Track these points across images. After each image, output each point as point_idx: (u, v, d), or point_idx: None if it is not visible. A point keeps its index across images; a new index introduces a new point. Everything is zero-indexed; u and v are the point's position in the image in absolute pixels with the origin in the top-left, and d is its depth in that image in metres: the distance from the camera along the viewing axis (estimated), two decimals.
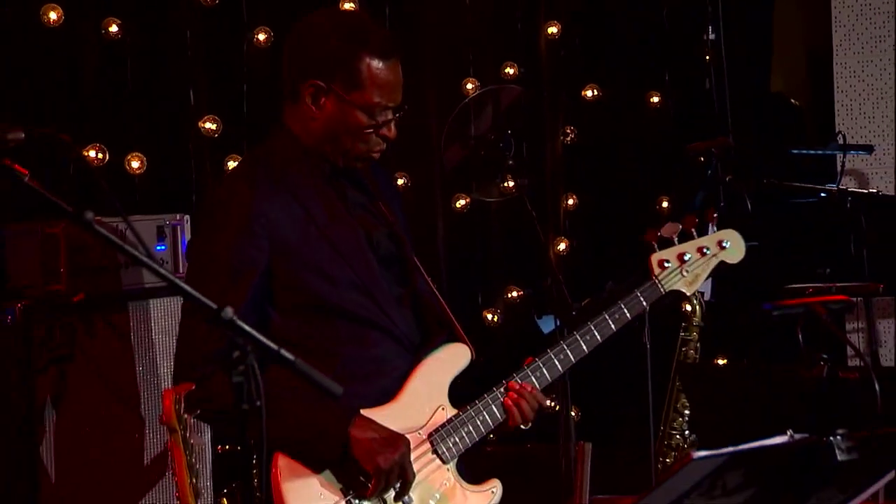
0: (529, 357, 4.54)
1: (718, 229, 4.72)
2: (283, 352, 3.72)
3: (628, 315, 4.61)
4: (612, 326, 4.59)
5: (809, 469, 4.00)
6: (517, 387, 4.49)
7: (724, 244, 4.74)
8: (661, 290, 4.67)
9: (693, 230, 4.69)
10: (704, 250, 4.71)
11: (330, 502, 4.34)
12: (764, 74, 7.62)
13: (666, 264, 4.67)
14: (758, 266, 4.94)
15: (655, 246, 4.66)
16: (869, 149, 6.90)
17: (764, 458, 3.94)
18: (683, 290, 4.71)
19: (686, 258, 4.67)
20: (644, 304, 4.63)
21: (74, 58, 5.95)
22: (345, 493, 4.35)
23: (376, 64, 4.42)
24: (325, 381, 3.83)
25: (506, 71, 6.97)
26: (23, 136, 3.97)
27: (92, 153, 5.81)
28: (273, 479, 4.24)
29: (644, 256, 4.64)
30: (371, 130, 4.43)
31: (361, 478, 4.35)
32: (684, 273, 4.69)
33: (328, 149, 4.46)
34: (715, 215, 4.72)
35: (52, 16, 5.81)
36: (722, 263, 4.74)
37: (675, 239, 4.67)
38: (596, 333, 4.57)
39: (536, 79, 7.06)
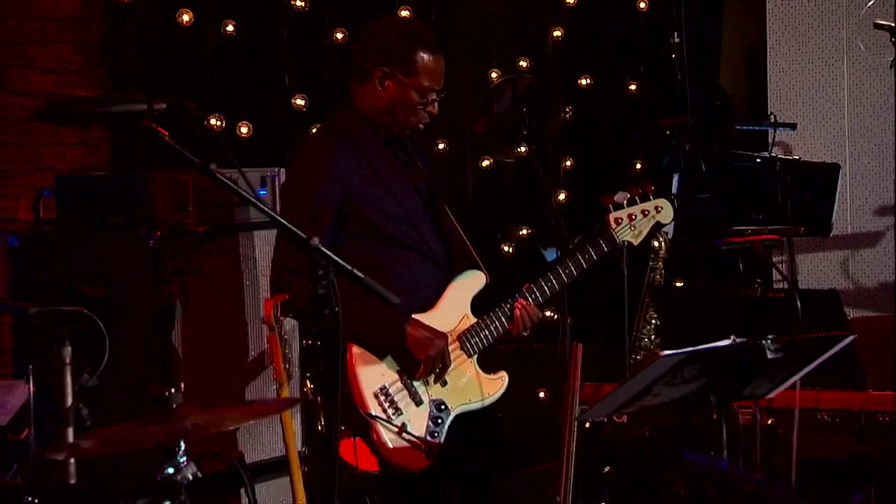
0: (527, 284, 4.58)
1: (655, 198, 4.74)
2: (355, 271, 3.71)
3: (595, 257, 4.68)
4: (583, 265, 4.64)
5: (746, 364, 3.99)
6: (521, 304, 4.54)
7: (659, 209, 4.77)
8: (616, 239, 4.70)
9: (637, 197, 4.71)
10: (646, 212, 4.73)
11: (389, 380, 4.40)
12: (714, 68, 7.57)
13: (620, 221, 4.71)
14: (709, 212, 4.92)
15: (611, 207, 4.69)
16: (793, 126, 6.86)
17: (713, 356, 3.94)
18: (632, 241, 4.76)
19: (634, 217, 4.71)
20: (605, 249, 4.69)
21: (201, 49, 5.93)
22: (400, 374, 4.43)
23: (427, 57, 4.53)
24: (385, 292, 3.83)
25: (520, 64, 6.94)
26: (164, 106, 3.99)
27: (213, 121, 5.82)
28: (348, 363, 4.29)
29: (603, 215, 4.65)
30: (420, 107, 4.55)
31: (413, 363, 4.37)
32: (632, 228, 4.72)
33: (386, 120, 4.57)
34: (652, 187, 4.76)
35: (185, 18, 5.83)
36: (658, 223, 4.78)
37: (625, 203, 4.70)
38: (572, 268, 4.63)
39: (544, 70, 7.01)
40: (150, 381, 4.85)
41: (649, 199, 4.75)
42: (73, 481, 4.43)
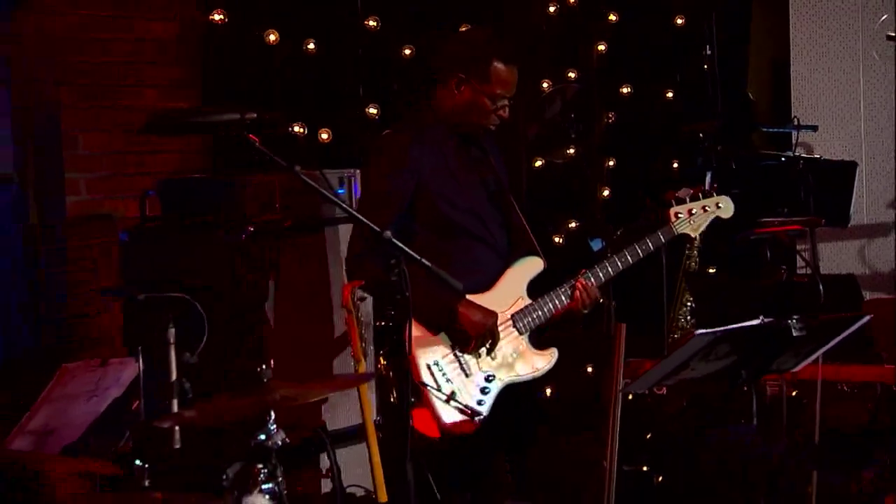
0: (583, 268, 4.55)
1: (717, 195, 4.70)
2: (423, 260, 3.72)
3: (651, 247, 4.62)
4: (640, 254, 4.59)
5: (774, 342, 3.96)
6: (581, 283, 4.51)
7: (719, 205, 4.71)
8: (675, 232, 4.65)
9: (699, 193, 4.66)
10: (706, 208, 4.67)
11: (442, 353, 4.39)
12: (742, 76, 7.52)
13: (679, 216, 4.65)
14: (739, 206, 4.88)
15: (673, 202, 4.64)
16: (814, 128, 6.82)
17: (744, 335, 3.91)
18: (690, 234, 4.70)
19: (693, 212, 4.65)
20: (662, 240, 4.64)
21: (286, 64, 5.95)
22: (453, 348, 4.41)
23: (501, 67, 4.49)
24: (449, 278, 3.84)
25: (568, 75, 6.91)
26: (255, 115, 4.01)
27: (297, 128, 5.82)
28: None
29: (664, 209, 4.62)
30: (492, 111, 4.48)
31: (465, 338, 4.38)
32: (691, 222, 4.67)
33: (460, 120, 4.53)
34: (715, 185, 4.70)
35: (272, 37, 5.82)
36: (718, 217, 4.73)
37: (687, 198, 4.65)
38: (629, 258, 4.57)
39: (589, 80, 6.98)
40: (244, 358, 4.88)
41: (711, 196, 4.71)
42: (177, 447, 4.47)
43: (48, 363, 4.60)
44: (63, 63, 5.65)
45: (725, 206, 4.72)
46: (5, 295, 5.60)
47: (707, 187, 4.79)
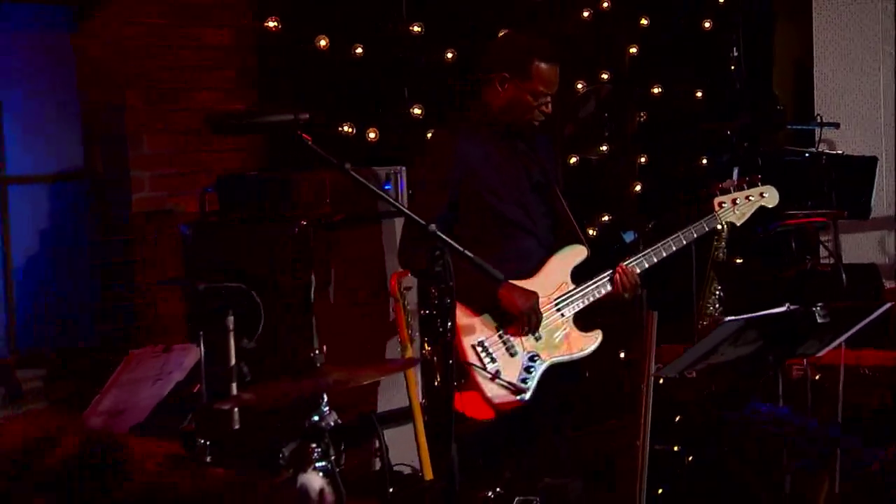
0: (627, 255, 4.55)
1: (762, 185, 4.68)
2: (466, 251, 3.72)
3: (695, 235, 4.61)
4: (684, 241, 4.59)
5: (799, 328, 3.94)
6: (620, 269, 4.50)
7: (764, 195, 4.69)
8: (719, 221, 4.64)
9: (744, 184, 4.64)
10: (750, 197, 4.65)
11: (486, 334, 4.40)
12: (767, 77, 7.48)
13: (723, 205, 4.64)
14: None
15: (718, 192, 4.64)
16: (836, 125, 6.78)
17: (770, 321, 3.89)
18: (735, 222, 4.69)
19: (737, 202, 4.64)
20: (706, 229, 4.65)
21: (336, 68, 5.96)
22: (497, 329, 4.41)
23: (543, 66, 4.49)
24: (490, 269, 3.82)
25: (602, 76, 6.88)
26: (307, 116, 4.01)
27: (346, 128, 5.83)
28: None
29: (709, 199, 4.61)
30: (534, 107, 4.49)
31: (508, 320, 4.38)
32: (735, 211, 4.66)
33: (505, 116, 4.54)
34: (759, 177, 4.68)
35: (322, 43, 5.83)
36: (763, 206, 4.71)
37: (732, 189, 4.64)
38: (672, 244, 4.57)
39: (622, 81, 6.95)
40: (298, 344, 4.89)
41: (756, 186, 4.69)
42: (236, 427, 4.50)
43: (116, 350, 4.65)
44: (129, 68, 5.69)
45: (770, 196, 4.70)
46: (75, 285, 5.66)
47: (735, 181, 4.76)
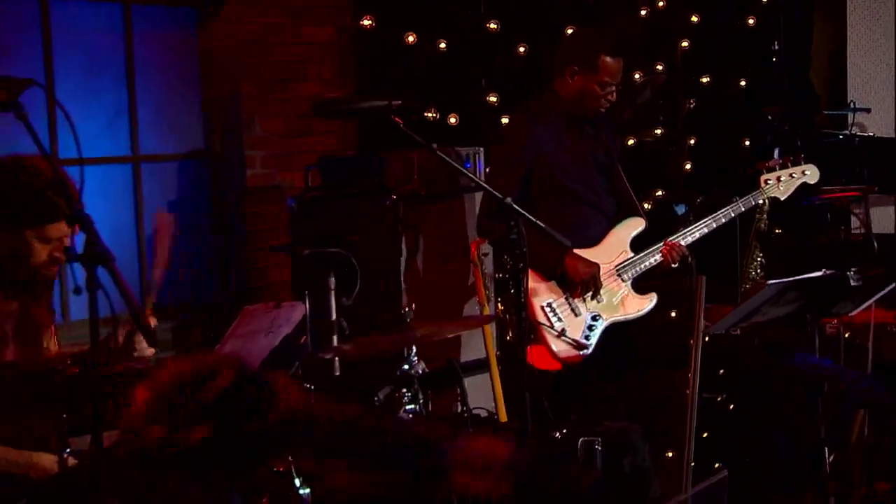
0: (680, 226, 4.52)
1: (804, 163, 4.61)
2: (538, 222, 3.70)
3: (743, 209, 4.58)
4: (732, 214, 4.55)
5: (834, 290, 3.88)
6: (667, 244, 4.46)
7: (806, 172, 4.62)
8: (764, 195, 4.58)
9: (788, 162, 4.56)
10: (793, 175, 4.59)
11: (554, 297, 4.40)
12: (805, 66, 7.34)
13: (768, 182, 4.58)
14: None
15: (764, 170, 4.57)
16: (868, 110, 6.65)
17: (808, 285, 3.83)
18: (779, 197, 4.63)
19: (781, 179, 4.58)
20: (753, 203, 4.61)
21: (422, 60, 5.94)
22: (563, 293, 4.39)
23: (608, 60, 4.45)
24: (559, 236, 3.80)
25: (657, 67, 6.78)
26: (399, 102, 4.02)
27: (430, 113, 5.80)
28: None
29: (756, 176, 4.55)
30: (601, 96, 4.44)
31: (574, 285, 4.35)
32: (780, 187, 4.59)
33: (574, 104, 4.49)
34: (802, 156, 4.60)
35: (410, 38, 5.80)
36: (805, 182, 4.64)
37: (777, 167, 4.57)
38: (722, 218, 4.55)
39: (674, 71, 6.85)
40: (390, 303, 4.91)
41: (798, 164, 4.63)
42: (337, 374, 4.53)
43: (232, 306, 4.69)
44: (244, 61, 5.72)
45: (812, 173, 4.63)
46: (198, 250, 5.72)
47: (780, 160, 4.69)
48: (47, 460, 2.84)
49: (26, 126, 2.54)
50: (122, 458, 1.29)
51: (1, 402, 2.61)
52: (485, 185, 3.89)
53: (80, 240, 2.45)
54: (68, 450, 2.62)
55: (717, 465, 4.47)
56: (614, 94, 4.49)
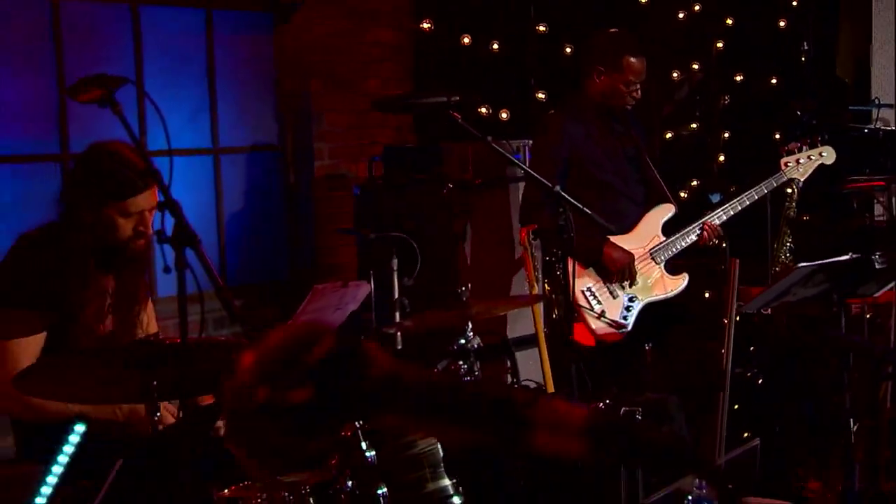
0: (710, 211, 4.47)
1: (821, 146, 4.54)
2: (585, 208, 3.67)
3: (765, 190, 4.52)
4: (756, 196, 4.49)
5: (859, 273, 3.81)
6: (707, 224, 4.43)
7: (823, 154, 4.54)
8: (785, 177, 4.52)
9: (804, 146, 4.50)
10: (811, 157, 4.52)
11: (593, 282, 4.37)
12: (832, 65, 7.21)
13: (788, 164, 4.51)
14: (830, 168, 4.70)
15: (784, 154, 4.51)
16: (891, 106, 6.54)
17: (835, 267, 3.77)
18: (798, 178, 4.56)
19: (800, 161, 4.51)
20: (774, 184, 4.53)
21: (476, 59, 5.93)
22: (601, 278, 4.36)
23: (632, 60, 4.39)
24: (604, 222, 3.78)
25: (693, 66, 6.70)
26: (457, 98, 4.01)
27: (483, 109, 5.79)
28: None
29: (777, 160, 4.49)
30: (626, 94, 4.40)
31: (610, 272, 4.31)
32: (799, 169, 4.52)
33: (603, 102, 4.44)
34: (819, 138, 4.53)
35: (466, 40, 5.79)
36: (822, 164, 4.57)
37: (796, 150, 4.50)
38: (746, 200, 4.48)
39: (710, 69, 6.77)
40: (448, 283, 4.91)
41: (816, 147, 4.56)
42: (399, 347, 4.54)
43: (304, 284, 4.72)
44: (314, 61, 5.74)
45: (828, 154, 4.56)
46: (272, 233, 5.76)
47: (799, 143, 4.62)
48: (144, 410, 2.87)
49: (121, 120, 2.56)
50: (235, 411, 1.33)
51: (95, 369, 2.64)
52: (535, 174, 3.87)
53: (169, 223, 2.47)
54: (158, 414, 2.64)
55: (746, 435, 4.43)
56: (639, 92, 4.45)
